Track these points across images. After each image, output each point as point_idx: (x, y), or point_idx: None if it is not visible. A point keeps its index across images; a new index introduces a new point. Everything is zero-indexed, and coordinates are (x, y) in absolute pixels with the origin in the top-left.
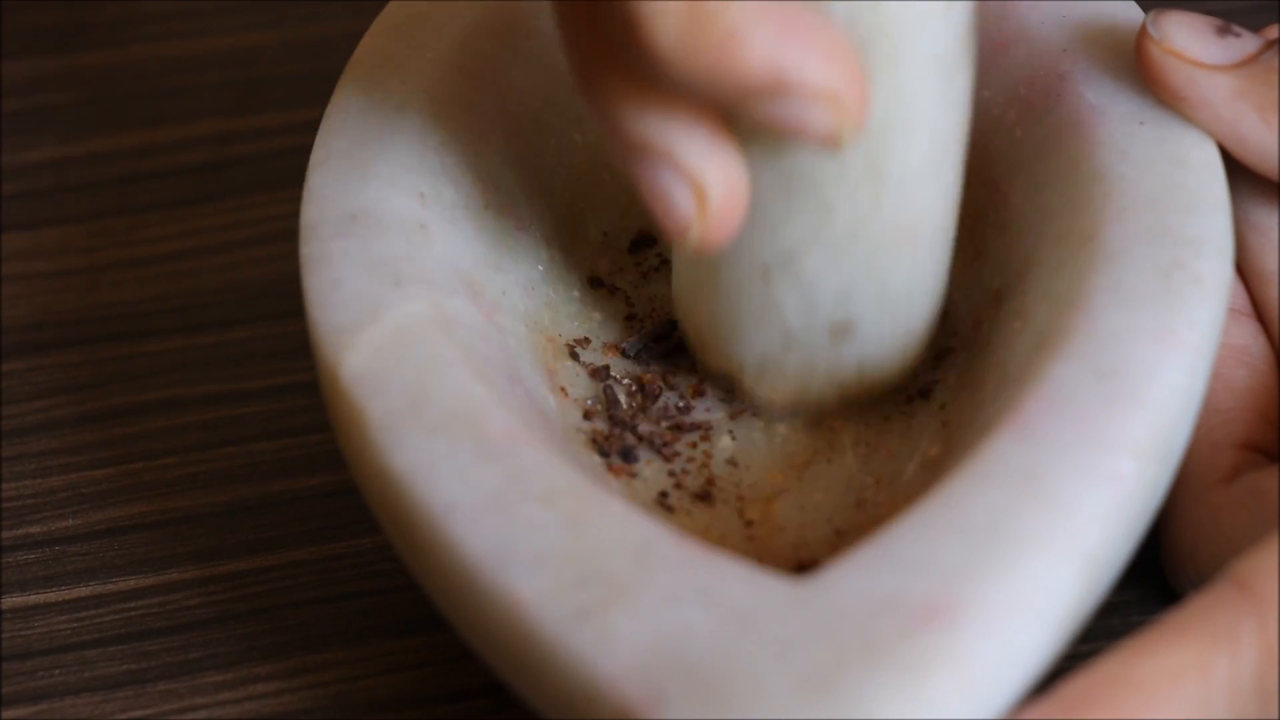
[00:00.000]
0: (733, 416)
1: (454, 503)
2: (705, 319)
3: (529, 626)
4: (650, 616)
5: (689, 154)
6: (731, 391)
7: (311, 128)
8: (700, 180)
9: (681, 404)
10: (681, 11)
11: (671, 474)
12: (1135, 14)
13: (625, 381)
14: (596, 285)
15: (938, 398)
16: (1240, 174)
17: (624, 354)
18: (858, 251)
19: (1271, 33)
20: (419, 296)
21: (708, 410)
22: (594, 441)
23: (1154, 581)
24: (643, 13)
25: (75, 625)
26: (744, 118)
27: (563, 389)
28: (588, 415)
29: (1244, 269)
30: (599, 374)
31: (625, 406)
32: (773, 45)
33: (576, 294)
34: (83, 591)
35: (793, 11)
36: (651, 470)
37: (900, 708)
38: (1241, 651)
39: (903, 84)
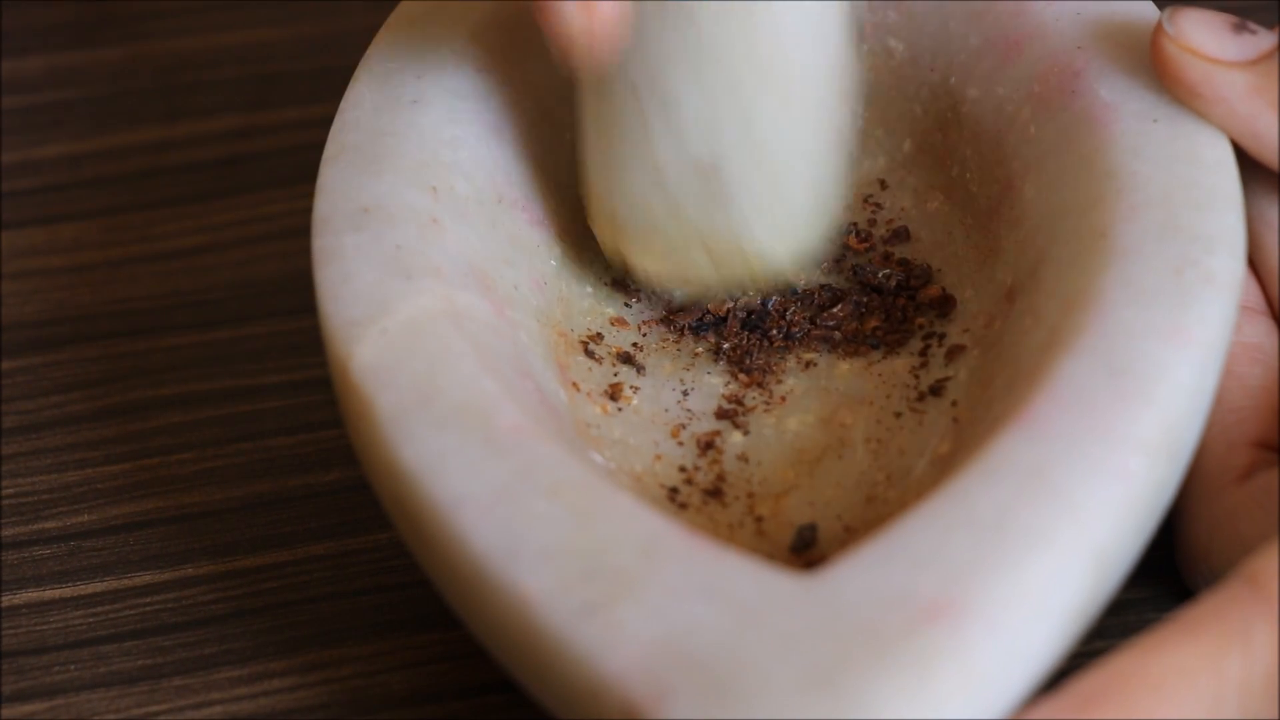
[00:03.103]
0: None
1: (462, 496)
2: (592, 169)
3: (535, 621)
4: (657, 611)
5: None
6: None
7: (328, 123)
8: None
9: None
10: None
11: (683, 469)
12: (1149, 11)
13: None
14: (610, 281)
15: (949, 395)
16: (1255, 171)
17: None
18: (721, 75)
19: None
20: (430, 290)
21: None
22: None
23: (1168, 579)
24: None
25: (91, 620)
26: None
27: (575, 384)
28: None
29: (1258, 266)
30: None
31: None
32: None
33: (589, 289)
34: (98, 587)
35: None
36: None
37: (905, 705)
38: (1254, 649)
39: None
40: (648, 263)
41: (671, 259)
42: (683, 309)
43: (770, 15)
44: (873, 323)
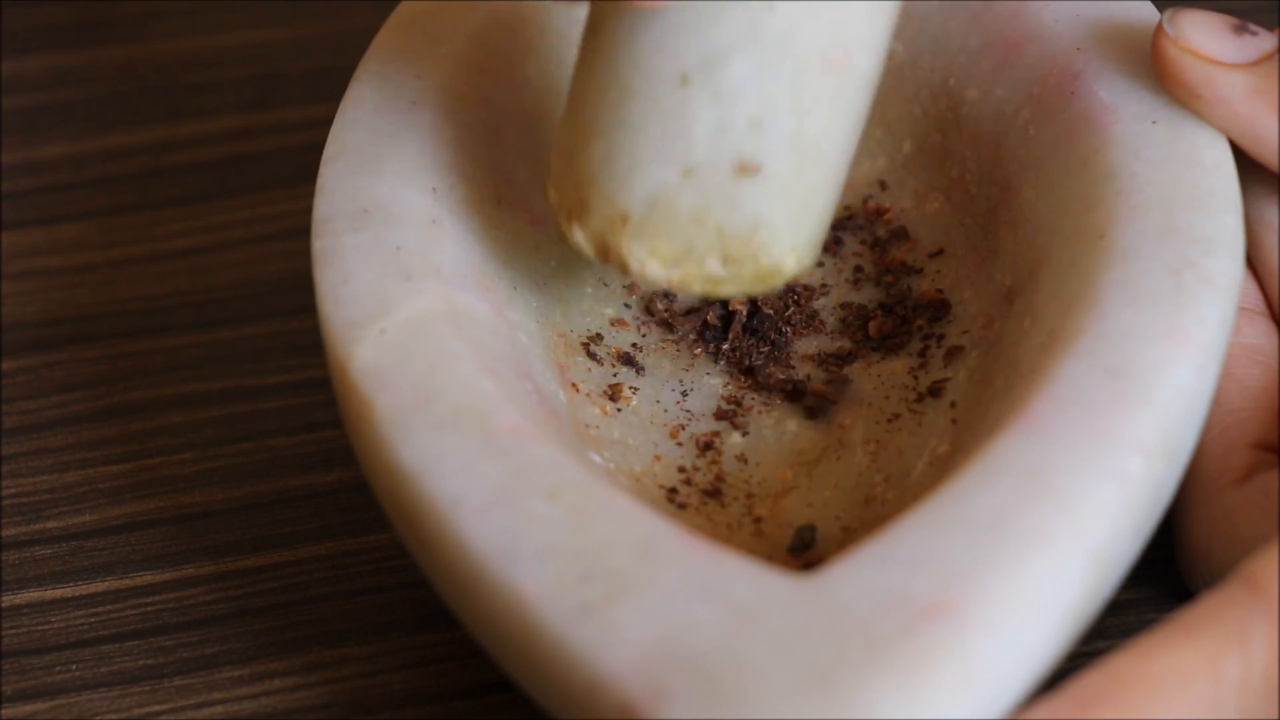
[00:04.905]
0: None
1: (460, 497)
2: (598, 156)
3: (533, 621)
4: (654, 612)
5: None
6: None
7: (328, 123)
8: None
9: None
10: None
11: (682, 470)
12: (1148, 12)
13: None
14: (609, 282)
15: (948, 396)
16: (1254, 171)
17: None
18: (785, 66)
19: None
20: (429, 291)
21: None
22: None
23: (1167, 580)
24: None
25: (92, 620)
26: None
27: (574, 384)
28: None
29: (1257, 267)
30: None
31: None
32: None
33: (588, 290)
34: (99, 587)
35: None
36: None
37: (903, 705)
38: (1252, 651)
39: None
40: (653, 266)
41: (682, 263)
42: (688, 312)
43: (847, 14)
44: (871, 324)
